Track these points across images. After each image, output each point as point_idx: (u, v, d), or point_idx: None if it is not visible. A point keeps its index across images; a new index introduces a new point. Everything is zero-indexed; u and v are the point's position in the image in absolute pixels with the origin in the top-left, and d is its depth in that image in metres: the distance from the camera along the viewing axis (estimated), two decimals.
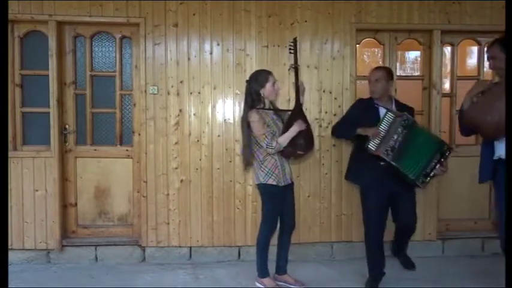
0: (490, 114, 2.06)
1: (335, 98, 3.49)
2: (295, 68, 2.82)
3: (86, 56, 3.48)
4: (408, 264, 3.05)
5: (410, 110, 2.95)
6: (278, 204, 2.82)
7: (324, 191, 3.52)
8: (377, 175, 2.77)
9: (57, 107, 3.35)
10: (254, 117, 2.69)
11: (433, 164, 2.66)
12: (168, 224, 3.43)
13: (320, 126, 3.49)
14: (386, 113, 2.74)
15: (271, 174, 2.74)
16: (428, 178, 2.67)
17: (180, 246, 3.46)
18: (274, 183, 2.74)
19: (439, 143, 2.79)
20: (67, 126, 3.46)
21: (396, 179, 2.76)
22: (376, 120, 2.78)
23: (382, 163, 2.73)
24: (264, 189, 2.80)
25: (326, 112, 3.49)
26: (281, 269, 3.00)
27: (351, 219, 3.53)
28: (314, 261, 3.48)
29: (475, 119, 2.18)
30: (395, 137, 2.66)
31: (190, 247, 3.48)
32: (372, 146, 2.68)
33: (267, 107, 2.81)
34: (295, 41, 2.88)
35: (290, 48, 2.88)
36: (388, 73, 2.94)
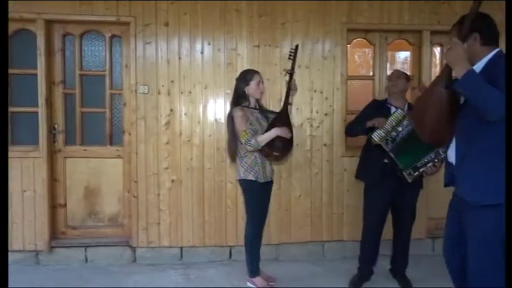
0: (423, 124, 2.00)
1: (326, 98, 3.50)
2: (290, 74, 2.85)
3: (75, 55, 3.44)
4: (404, 284, 2.97)
5: None
6: (260, 200, 2.86)
7: (314, 190, 3.53)
8: (383, 172, 2.80)
9: (46, 106, 3.31)
10: (237, 113, 2.75)
11: (426, 161, 2.68)
12: (159, 224, 3.42)
13: (311, 126, 3.50)
14: (396, 110, 2.78)
15: (251, 170, 2.78)
16: (417, 173, 2.68)
17: (171, 247, 3.45)
18: (253, 178, 2.78)
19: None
20: (56, 126, 3.42)
21: (399, 178, 2.77)
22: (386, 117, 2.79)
23: (386, 161, 2.75)
24: (244, 185, 2.85)
25: (317, 112, 3.50)
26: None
27: (342, 219, 3.55)
28: (305, 260, 3.49)
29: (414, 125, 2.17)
30: (400, 129, 2.70)
31: (182, 247, 3.46)
32: (375, 136, 2.71)
33: (252, 105, 2.85)
34: (296, 48, 2.89)
35: (290, 54, 2.89)
36: (407, 76, 2.98)
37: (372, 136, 2.71)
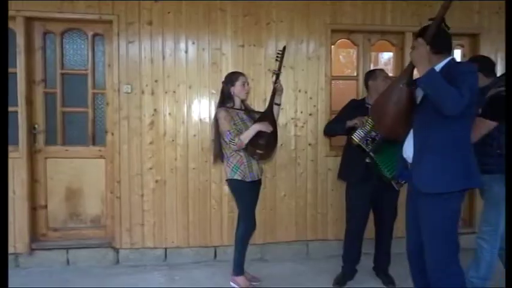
0: (383, 119, 2.11)
1: (310, 98, 3.52)
2: (277, 74, 2.89)
3: (57, 54, 3.38)
4: (387, 282, 3.00)
5: None
6: (249, 199, 2.88)
7: (299, 190, 3.55)
8: (362, 173, 2.83)
9: (26, 106, 3.23)
10: (221, 114, 2.78)
11: None
12: (143, 225, 3.38)
13: (296, 125, 3.51)
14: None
15: (237, 170, 2.79)
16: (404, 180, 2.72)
17: (155, 248, 3.41)
18: (240, 178, 2.79)
19: None
20: (36, 125, 3.35)
21: (379, 177, 2.81)
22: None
23: (367, 161, 2.78)
24: (232, 185, 2.87)
25: (301, 112, 3.52)
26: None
27: (326, 218, 3.58)
28: (290, 260, 3.50)
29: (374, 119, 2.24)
30: None
31: (166, 248, 3.43)
32: (355, 136, 2.75)
33: (237, 106, 2.88)
34: (283, 49, 2.94)
35: (277, 55, 2.92)
36: (387, 75, 3.00)
37: (352, 136, 2.75)
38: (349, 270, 3.03)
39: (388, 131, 2.15)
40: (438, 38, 1.97)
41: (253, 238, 3.34)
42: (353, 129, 2.80)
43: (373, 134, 2.73)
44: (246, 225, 2.88)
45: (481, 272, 2.59)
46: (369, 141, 2.74)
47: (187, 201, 3.42)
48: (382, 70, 3.05)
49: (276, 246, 3.54)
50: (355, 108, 2.98)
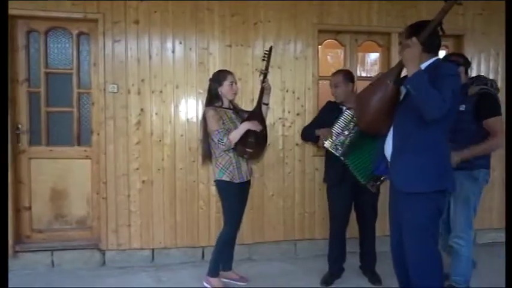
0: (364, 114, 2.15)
1: (298, 98, 3.54)
2: (264, 74, 2.89)
3: (41, 53, 3.32)
4: (374, 280, 3.02)
5: None
6: (236, 201, 2.84)
7: (287, 189, 3.56)
8: (342, 173, 2.85)
9: (9, 105, 3.17)
10: (210, 113, 2.75)
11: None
12: (130, 226, 3.35)
13: (283, 125, 3.52)
14: (344, 110, 2.83)
15: (225, 171, 2.77)
16: (378, 182, 2.73)
17: (142, 249, 3.38)
18: (228, 179, 2.76)
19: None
20: (20, 126, 3.29)
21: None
22: (336, 120, 2.84)
23: (344, 162, 2.80)
24: (220, 186, 2.83)
25: (289, 112, 3.53)
26: (226, 265, 3.01)
27: (313, 217, 3.59)
28: (278, 259, 3.51)
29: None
30: (347, 133, 2.76)
31: (153, 249, 3.41)
32: (326, 141, 2.80)
33: (225, 105, 2.85)
34: (270, 49, 2.94)
35: (264, 55, 2.92)
36: (347, 76, 2.99)
37: (324, 141, 2.81)
38: (336, 269, 3.05)
39: (368, 125, 2.18)
40: (430, 38, 1.99)
41: (241, 238, 3.35)
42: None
43: (342, 138, 2.77)
44: (231, 229, 2.84)
45: (462, 270, 2.66)
46: (338, 146, 2.78)
47: (175, 201, 3.39)
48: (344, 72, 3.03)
49: (264, 246, 3.55)
50: (331, 110, 3.00)
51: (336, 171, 2.90)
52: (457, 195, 2.62)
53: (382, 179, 2.70)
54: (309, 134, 3.08)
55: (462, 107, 2.55)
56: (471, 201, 2.62)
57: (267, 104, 2.95)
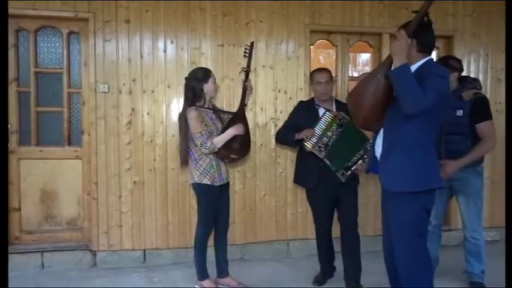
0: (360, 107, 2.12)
1: (290, 98, 3.54)
2: (246, 72, 2.85)
3: (30, 52, 3.29)
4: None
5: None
6: (213, 204, 2.78)
7: (279, 189, 3.56)
8: (319, 176, 2.81)
9: None
10: (192, 114, 2.65)
11: (356, 159, 2.75)
12: (121, 226, 3.32)
13: (275, 125, 3.52)
14: (324, 112, 2.79)
15: (206, 174, 2.71)
16: (349, 172, 2.74)
17: (133, 250, 3.36)
18: (209, 182, 2.71)
19: (365, 139, 2.79)
20: (9, 126, 3.25)
21: (335, 178, 2.78)
22: (315, 121, 2.80)
23: (321, 164, 2.77)
24: (199, 189, 2.76)
25: (281, 112, 3.53)
26: (223, 272, 2.95)
27: (305, 217, 3.60)
28: (271, 259, 3.51)
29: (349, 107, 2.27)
30: (330, 134, 2.76)
31: (145, 250, 3.39)
32: (308, 144, 2.74)
33: (207, 105, 2.79)
34: (251, 45, 2.89)
35: (245, 52, 2.88)
36: (331, 73, 2.97)
37: (305, 144, 2.75)
38: (327, 268, 3.05)
39: (364, 121, 2.15)
40: (426, 37, 1.99)
41: (233, 238, 3.35)
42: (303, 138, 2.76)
43: (325, 140, 2.74)
44: (204, 229, 2.80)
45: (481, 265, 2.75)
46: (321, 148, 2.74)
47: (167, 202, 3.38)
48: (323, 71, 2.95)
49: (257, 246, 3.54)
50: (305, 111, 2.94)
51: (313, 174, 2.83)
52: (466, 192, 2.72)
53: (353, 169, 2.73)
54: (287, 138, 2.95)
55: (459, 112, 2.60)
56: (480, 195, 2.74)
57: (245, 105, 2.91)
